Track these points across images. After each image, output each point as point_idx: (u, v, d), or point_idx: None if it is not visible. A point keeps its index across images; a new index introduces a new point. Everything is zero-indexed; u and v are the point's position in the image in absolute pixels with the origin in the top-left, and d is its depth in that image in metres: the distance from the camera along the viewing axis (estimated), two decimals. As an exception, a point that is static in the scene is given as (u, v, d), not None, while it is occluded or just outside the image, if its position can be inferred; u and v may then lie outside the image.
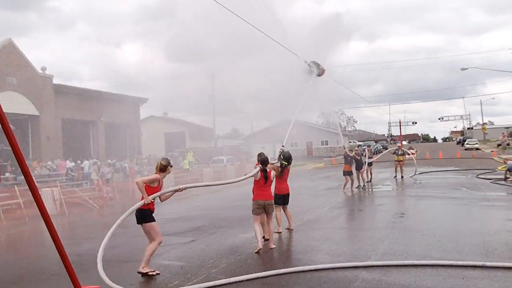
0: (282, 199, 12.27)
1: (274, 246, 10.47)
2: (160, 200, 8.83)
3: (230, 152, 55.29)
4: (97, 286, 5.59)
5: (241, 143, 77.84)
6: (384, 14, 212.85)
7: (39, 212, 14.83)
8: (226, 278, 7.95)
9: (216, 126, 59.38)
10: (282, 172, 12.17)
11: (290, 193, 12.67)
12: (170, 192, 8.93)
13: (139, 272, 8.53)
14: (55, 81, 33.50)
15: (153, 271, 8.63)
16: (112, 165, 30.33)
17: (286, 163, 12.15)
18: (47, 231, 4.92)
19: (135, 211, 8.57)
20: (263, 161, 10.69)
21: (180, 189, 8.99)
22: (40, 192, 18.52)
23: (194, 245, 11.48)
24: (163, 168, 8.87)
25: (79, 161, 30.66)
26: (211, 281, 7.89)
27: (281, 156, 12.30)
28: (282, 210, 12.41)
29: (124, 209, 21.06)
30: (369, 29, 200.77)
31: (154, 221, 8.73)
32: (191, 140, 61.08)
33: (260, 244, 10.13)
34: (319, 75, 18.45)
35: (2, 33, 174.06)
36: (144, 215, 8.59)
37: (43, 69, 32.32)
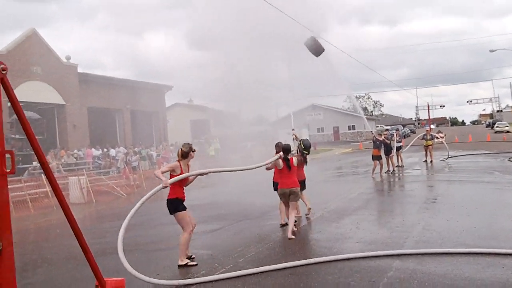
0: (301, 185, 12.01)
1: (292, 237, 9.97)
2: (185, 185, 8.58)
3: (255, 138, 55.00)
4: (121, 279, 5.35)
5: (267, 129, 77.52)
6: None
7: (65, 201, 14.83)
8: (254, 268, 7.73)
9: (241, 113, 59.16)
10: (306, 161, 12.29)
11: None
12: (192, 176, 8.60)
13: (179, 266, 8.36)
14: (79, 70, 33.56)
15: (192, 262, 8.51)
16: (138, 153, 30.36)
17: (307, 153, 12.11)
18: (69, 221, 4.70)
19: (166, 203, 8.49)
20: (285, 149, 10.70)
21: (203, 173, 8.96)
22: (67, 181, 18.59)
23: (221, 233, 11.27)
24: (185, 154, 8.59)
25: (105, 149, 30.72)
26: (239, 270, 7.67)
27: (302, 145, 12.07)
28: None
29: (152, 197, 21.10)
30: (391, 13, 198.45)
31: (185, 209, 8.55)
32: (216, 127, 60.94)
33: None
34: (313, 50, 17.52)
35: (25, 23, 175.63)
36: (175, 205, 8.43)
37: (68, 58, 32.35)
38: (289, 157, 10.60)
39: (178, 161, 8.57)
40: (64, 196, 4.74)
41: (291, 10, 16.77)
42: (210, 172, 9.36)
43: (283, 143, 11.51)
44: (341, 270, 7.42)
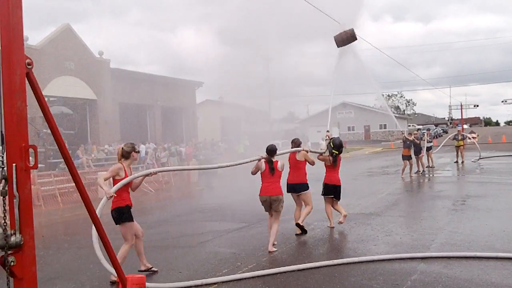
0: (332, 190, 10.91)
1: (273, 250, 8.99)
2: (132, 189, 7.79)
3: (285, 135, 55.00)
4: (142, 276, 5.40)
5: (297, 127, 77.44)
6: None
7: (94, 196, 14.90)
8: (276, 268, 7.70)
9: (272, 110, 59.12)
10: (335, 162, 10.96)
11: (341, 185, 11.13)
12: (139, 177, 7.80)
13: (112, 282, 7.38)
14: (112, 65, 33.85)
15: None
16: (168, 149, 30.53)
17: (337, 152, 10.95)
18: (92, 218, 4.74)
19: (111, 211, 7.53)
20: (269, 150, 9.36)
21: (151, 173, 8.20)
22: (96, 176, 18.75)
23: (246, 231, 11.24)
24: (126, 154, 7.66)
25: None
26: (261, 270, 7.65)
27: (331, 144, 10.98)
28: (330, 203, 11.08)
29: (179, 193, 21.14)
30: (425, 11, 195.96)
31: (133, 220, 7.61)
32: (246, 124, 61.00)
33: (270, 246, 9.02)
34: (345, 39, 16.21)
35: (60, 19, 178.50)
36: (121, 213, 7.47)
37: (100, 53, 32.62)
38: (273, 160, 9.32)
39: (120, 162, 7.69)
40: (86, 191, 4.79)
41: (324, 6, 16.59)
42: (158, 172, 8.45)
43: (299, 140, 10.73)
44: (365, 272, 7.34)
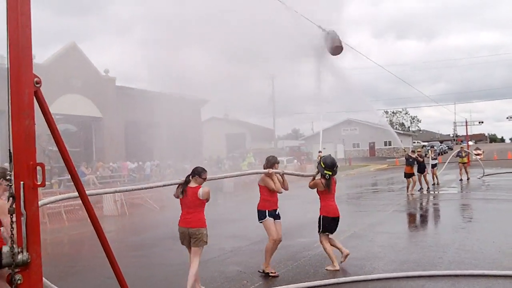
0: (332, 224, 8.98)
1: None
2: None
3: (290, 152, 55.04)
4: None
5: (302, 144, 77.51)
6: (442, 13, 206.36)
7: (100, 214, 14.85)
8: (282, 286, 7.65)
9: (277, 127, 59.22)
10: (329, 185, 8.95)
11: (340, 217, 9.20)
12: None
13: None
14: (117, 83, 34.00)
15: None
16: (173, 166, 30.55)
17: (330, 173, 8.91)
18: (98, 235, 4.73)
19: None
20: (193, 172, 7.55)
21: None
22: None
23: (252, 249, 11.18)
24: None
25: (140, 162, 31.02)
26: (268, 288, 7.62)
27: (322, 164, 8.97)
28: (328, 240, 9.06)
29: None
30: (428, 28, 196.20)
31: None
32: (251, 141, 61.12)
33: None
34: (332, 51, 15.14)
35: (65, 37, 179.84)
36: None
37: (106, 71, 32.80)
38: (193, 186, 7.45)
39: None
40: (93, 209, 4.78)
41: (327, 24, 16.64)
42: (45, 204, 6.28)
43: (275, 158, 8.94)
44: (371, 290, 7.30)
